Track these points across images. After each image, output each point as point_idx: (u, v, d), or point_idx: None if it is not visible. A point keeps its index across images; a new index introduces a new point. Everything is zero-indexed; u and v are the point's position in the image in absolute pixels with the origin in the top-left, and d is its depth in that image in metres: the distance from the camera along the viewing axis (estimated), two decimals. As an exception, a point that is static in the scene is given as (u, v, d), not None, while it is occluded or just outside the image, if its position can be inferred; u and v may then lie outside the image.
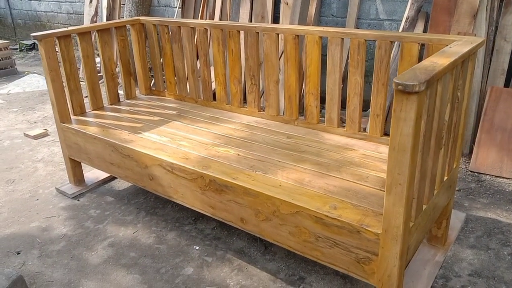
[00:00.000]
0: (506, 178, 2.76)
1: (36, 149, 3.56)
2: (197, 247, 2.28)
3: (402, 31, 3.24)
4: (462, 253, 2.14)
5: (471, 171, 2.87)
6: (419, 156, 1.46)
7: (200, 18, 4.40)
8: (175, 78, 3.03)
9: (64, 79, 2.69)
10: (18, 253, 2.29)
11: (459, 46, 1.67)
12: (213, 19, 4.31)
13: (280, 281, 2.03)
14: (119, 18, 5.17)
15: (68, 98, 2.74)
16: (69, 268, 2.17)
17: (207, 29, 2.71)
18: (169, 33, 2.90)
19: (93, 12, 5.40)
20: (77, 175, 2.87)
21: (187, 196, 2.14)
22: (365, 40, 2.11)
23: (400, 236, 1.46)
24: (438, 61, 1.46)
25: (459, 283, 1.95)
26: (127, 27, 2.97)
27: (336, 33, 2.18)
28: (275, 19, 4.05)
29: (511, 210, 2.46)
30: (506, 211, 2.46)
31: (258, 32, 2.48)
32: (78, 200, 2.77)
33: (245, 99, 4.07)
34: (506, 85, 2.99)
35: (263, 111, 2.66)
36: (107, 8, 5.18)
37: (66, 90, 2.72)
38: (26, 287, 1.94)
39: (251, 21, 4.06)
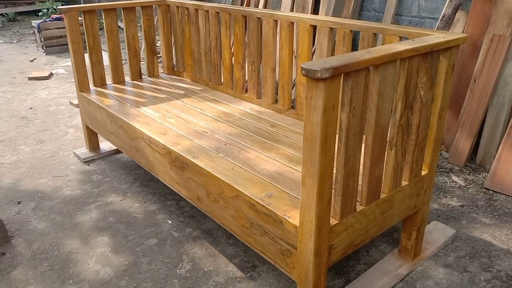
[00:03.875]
0: (523, 200, 2.46)
1: (74, 116, 3.87)
2: (170, 222, 2.34)
3: (437, 29, 3.00)
4: (433, 271, 1.96)
5: (485, 188, 2.59)
6: (342, 150, 1.38)
7: (246, 5, 4.44)
8: (192, 60, 3.11)
9: (87, 51, 2.90)
10: (19, 203, 2.54)
11: (420, 40, 1.52)
12: (257, 7, 4.33)
13: (233, 265, 2.02)
14: None
15: (89, 69, 2.95)
16: (53, 222, 2.36)
17: (218, 13, 2.74)
18: (188, 15, 2.99)
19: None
20: (92, 142, 3.08)
21: (161, 170, 2.21)
22: (351, 31, 2.00)
23: (313, 231, 1.39)
24: (374, 51, 1.35)
25: (415, 300, 1.80)
26: (154, 7, 3.09)
27: (325, 22, 2.09)
28: (315, 11, 3.96)
29: (513, 235, 2.19)
30: (506, 235, 2.19)
31: (259, 18, 2.46)
32: (88, 165, 2.98)
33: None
34: (544, 97, 2.64)
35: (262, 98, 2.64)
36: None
37: (88, 62, 2.93)
38: (5, 230, 2.15)
39: (292, 11, 4.01)
